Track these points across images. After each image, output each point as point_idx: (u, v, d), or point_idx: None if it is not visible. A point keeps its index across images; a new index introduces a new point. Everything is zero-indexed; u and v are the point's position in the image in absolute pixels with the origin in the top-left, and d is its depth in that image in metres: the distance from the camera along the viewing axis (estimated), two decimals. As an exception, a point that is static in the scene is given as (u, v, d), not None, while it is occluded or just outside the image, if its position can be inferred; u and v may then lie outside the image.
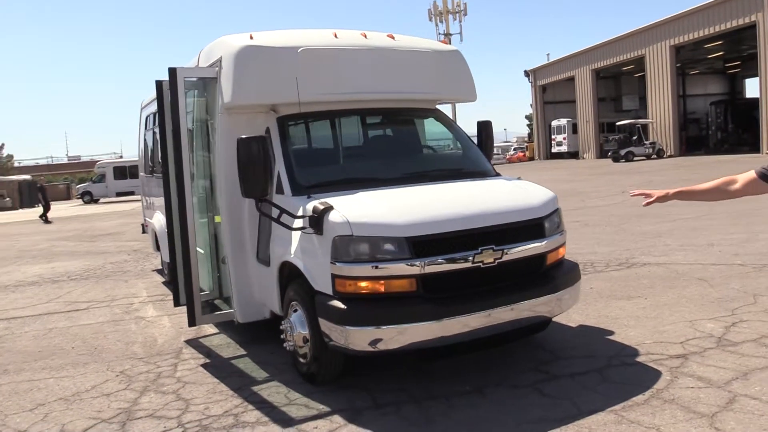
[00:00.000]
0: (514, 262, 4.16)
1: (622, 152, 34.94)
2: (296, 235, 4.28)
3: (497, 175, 5.18)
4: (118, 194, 39.26)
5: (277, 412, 4.01)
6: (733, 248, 8.20)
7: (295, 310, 4.40)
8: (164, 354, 5.48)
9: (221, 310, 5.64)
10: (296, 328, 4.34)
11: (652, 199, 3.16)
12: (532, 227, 4.31)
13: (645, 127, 36.95)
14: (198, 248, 5.19)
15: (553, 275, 4.38)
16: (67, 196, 51.50)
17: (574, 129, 46.25)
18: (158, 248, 8.57)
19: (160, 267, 9.71)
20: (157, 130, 7.06)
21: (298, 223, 4.16)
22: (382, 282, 3.84)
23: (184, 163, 5.04)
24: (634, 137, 35.81)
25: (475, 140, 5.69)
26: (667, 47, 35.79)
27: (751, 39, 31.32)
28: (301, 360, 4.46)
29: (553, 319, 5.63)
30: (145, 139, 9.07)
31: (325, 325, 3.98)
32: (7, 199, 43.39)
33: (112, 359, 5.42)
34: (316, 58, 4.87)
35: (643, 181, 20.58)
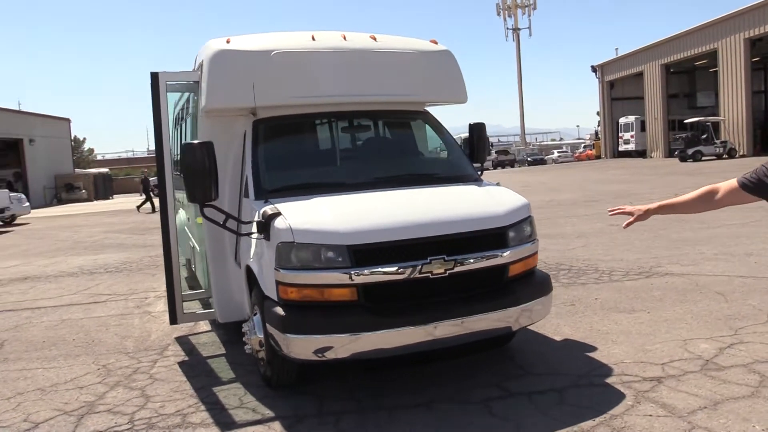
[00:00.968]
0: (469, 273, 3.99)
1: (690, 151, 33.08)
2: (255, 241, 4.30)
3: (477, 180, 4.99)
4: None
5: (224, 415, 4.04)
6: (770, 260, 7.58)
7: (255, 314, 4.42)
8: (151, 350, 5.65)
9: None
10: (254, 332, 4.36)
11: (631, 219, 2.90)
12: (492, 236, 4.11)
13: (716, 125, 34.81)
14: (195, 246, 5.30)
15: (514, 288, 4.16)
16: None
17: (642, 126, 44.12)
18: None
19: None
20: (178, 127, 7.35)
21: (253, 228, 4.17)
22: (322, 290, 3.79)
23: (166, 164, 5.18)
24: (704, 135, 33.82)
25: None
26: (741, 40, 33.56)
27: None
28: (261, 363, 4.48)
29: (539, 331, 5.41)
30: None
31: (270, 330, 3.98)
32: (83, 191, 46.27)
33: (103, 353, 5.64)
34: (289, 62, 4.86)
35: (703, 183, 19.32)
